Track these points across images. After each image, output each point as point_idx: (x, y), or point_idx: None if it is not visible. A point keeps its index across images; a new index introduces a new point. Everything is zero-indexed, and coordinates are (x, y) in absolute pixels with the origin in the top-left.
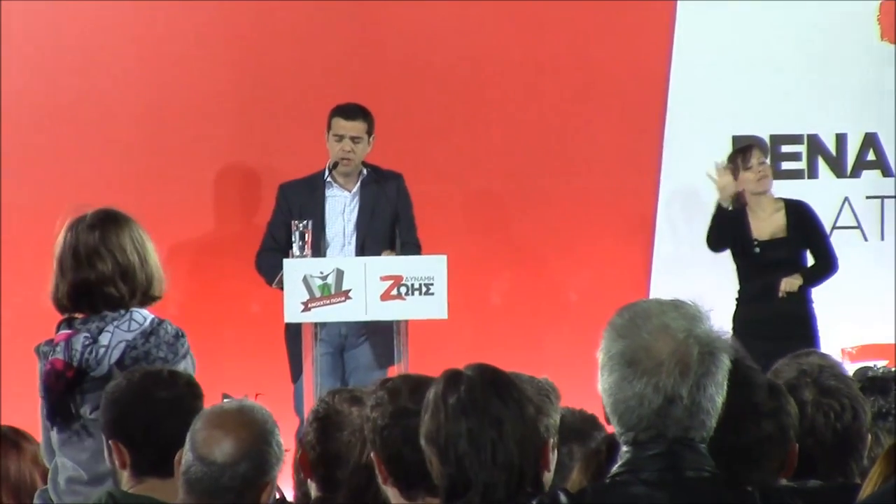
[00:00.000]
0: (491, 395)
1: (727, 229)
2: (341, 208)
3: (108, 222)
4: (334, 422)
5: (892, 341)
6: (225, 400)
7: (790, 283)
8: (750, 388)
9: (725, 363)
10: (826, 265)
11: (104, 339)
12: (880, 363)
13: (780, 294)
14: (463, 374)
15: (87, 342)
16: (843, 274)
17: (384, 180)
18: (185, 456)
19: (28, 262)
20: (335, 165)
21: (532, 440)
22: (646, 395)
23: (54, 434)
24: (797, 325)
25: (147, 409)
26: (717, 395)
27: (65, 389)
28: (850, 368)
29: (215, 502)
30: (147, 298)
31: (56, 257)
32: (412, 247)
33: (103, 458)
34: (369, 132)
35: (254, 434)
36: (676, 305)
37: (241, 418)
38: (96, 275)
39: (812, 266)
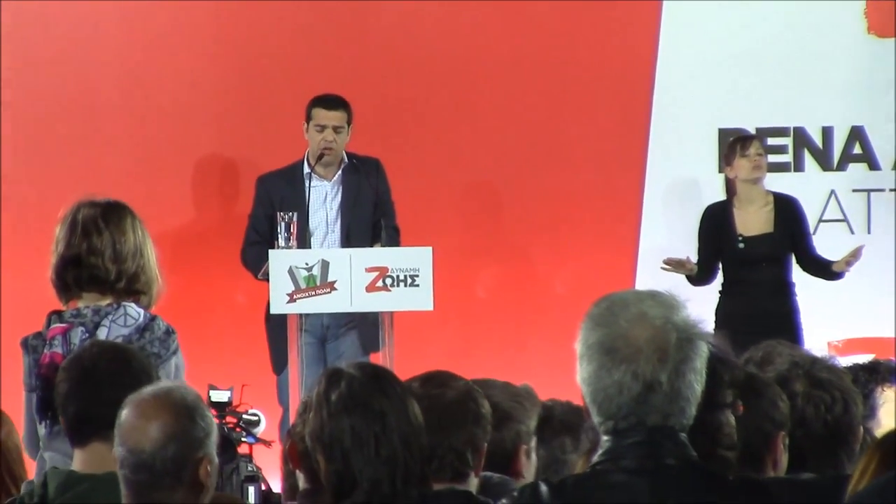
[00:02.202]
0: (373, 390)
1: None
2: (323, 198)
3: (115, 206)
4: None
5: (879, 335)
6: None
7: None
8: (718, 382)
9: (704, 351)
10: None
11: (102, 333)
12: (868, 357)
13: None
14: (343, 372)
15: (84, 336)
16: None
17: (364, 167)
18: (117, 451)
19: (19, 253)
20: (320, 157)
21: (417, 437)
22: (625, 382)
23: (42, 428)
24: (779, 319)
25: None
26: (696, 382)
27: None
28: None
29: (156, 489)
30: (132, 290)
31: (55, 237)
32: (392, 230)
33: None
34: (349, 122)
35: (175, 414)
36: (653, 294)
37: (160, 402)
38: (89, 247)
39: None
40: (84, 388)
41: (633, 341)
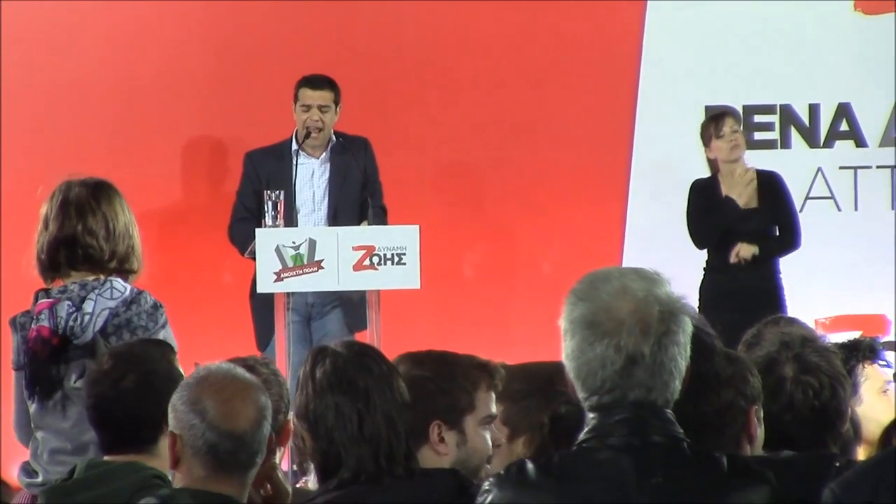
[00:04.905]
0: (358, 368)
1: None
2: (310, 175)
3: (103, 185)
4: None
5: (867, 312)
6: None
7: (745, 250)
8: (708, 356)
9: (688, 325)
10: (788, 241)
11: (88, 306)
12: (854, 334)
13: (732, 259)
14: (329, 349)
15: (71, 310)
16: (816, 245)
17: (352, 146)
18: (203, 436)
19: (15, 233)
20: (307, 135)
21: (402, 415)
22: (608, 356)
23: (33, 408)
24: (764, 296)
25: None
26: (680, 356)
27: (49, 357)
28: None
29: (250, 465)
30: (123, 268)
31: (42, 216)
32: (379, 210)
33: (87, 426)
34: (336, 101)
35: (258, 391)
36: (636, 270)
37: (241, 383)
38: (84, 227)
39: (775, 239)
40: (114, 414)
41: (616, 314)
